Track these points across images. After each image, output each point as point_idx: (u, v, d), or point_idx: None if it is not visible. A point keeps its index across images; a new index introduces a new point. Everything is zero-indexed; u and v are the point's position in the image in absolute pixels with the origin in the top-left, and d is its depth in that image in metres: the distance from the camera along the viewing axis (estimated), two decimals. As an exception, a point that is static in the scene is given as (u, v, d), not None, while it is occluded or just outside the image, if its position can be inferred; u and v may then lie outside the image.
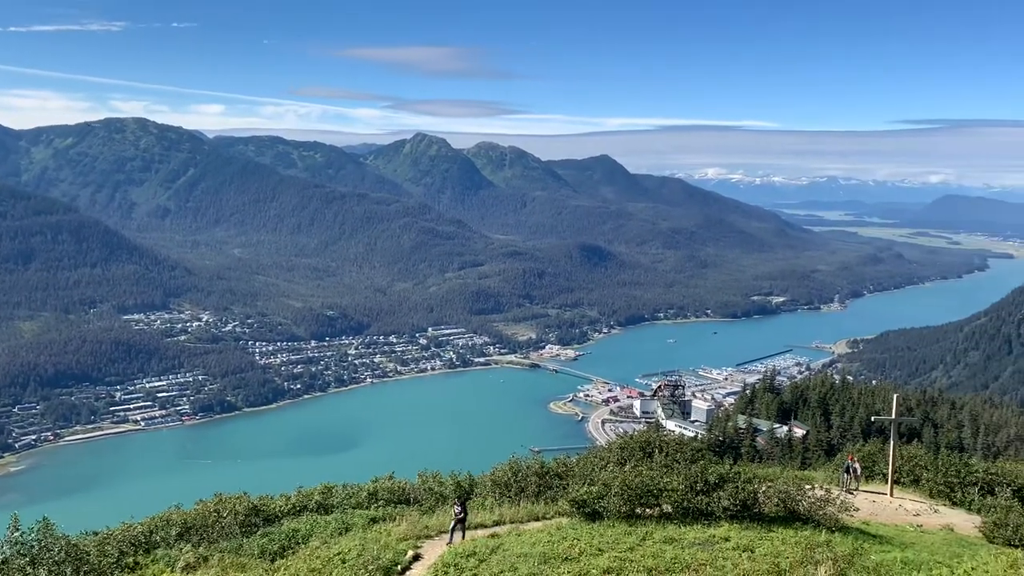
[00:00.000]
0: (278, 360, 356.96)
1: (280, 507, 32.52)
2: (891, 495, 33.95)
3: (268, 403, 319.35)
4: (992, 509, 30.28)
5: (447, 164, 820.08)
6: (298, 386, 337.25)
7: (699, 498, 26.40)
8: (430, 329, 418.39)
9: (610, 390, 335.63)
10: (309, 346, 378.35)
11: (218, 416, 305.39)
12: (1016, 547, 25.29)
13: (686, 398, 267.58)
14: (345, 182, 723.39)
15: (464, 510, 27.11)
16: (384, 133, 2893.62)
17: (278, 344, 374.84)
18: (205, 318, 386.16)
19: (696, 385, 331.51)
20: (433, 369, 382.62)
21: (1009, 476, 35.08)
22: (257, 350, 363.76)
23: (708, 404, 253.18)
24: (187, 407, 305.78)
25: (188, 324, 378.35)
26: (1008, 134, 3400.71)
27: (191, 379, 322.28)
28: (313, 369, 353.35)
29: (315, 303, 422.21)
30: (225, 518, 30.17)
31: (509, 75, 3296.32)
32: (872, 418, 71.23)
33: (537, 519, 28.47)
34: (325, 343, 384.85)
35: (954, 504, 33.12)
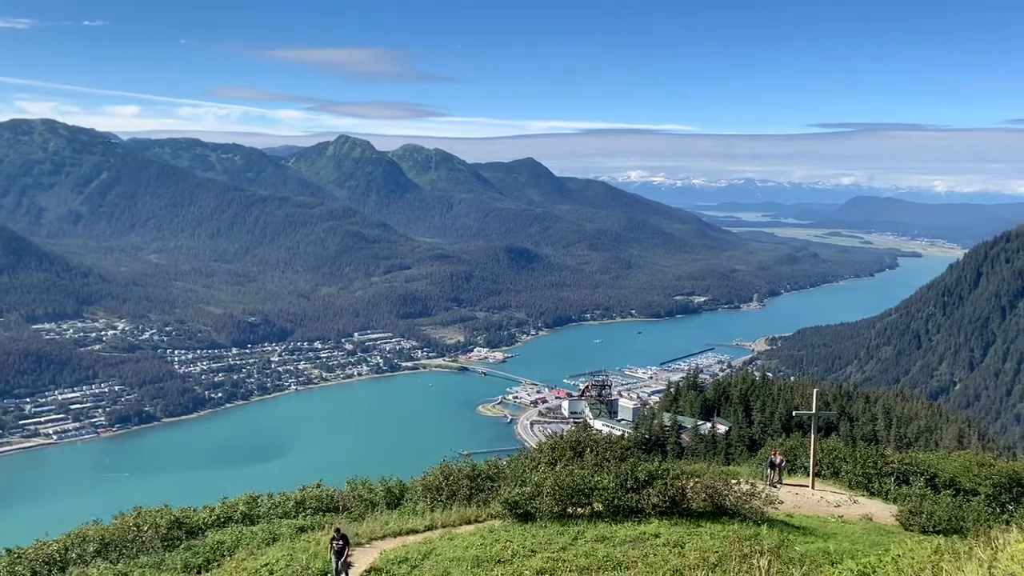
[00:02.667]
0: (198, 368, 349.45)
1: (204, 519, 31.60)
2: (813, 487, 34.92)
3: (189, 413, 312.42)
4: (907, 498, 31.51)
5: (372, 166, 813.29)
6: (220, 395, 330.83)
7: (629, 496, 26.69)
8: (356, 334, 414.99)
9: (538, 391, 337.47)
10: (231, 353, 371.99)
11: (136, 427, 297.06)
12: (931, 533, 26.36)
13: (613, 397, 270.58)
14: (266, 185, 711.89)
15: (345, 541, 24.00)
16: (307, 135, 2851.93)
17: (198, 352, 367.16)
18: (121, 326, 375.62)
19: (622, 384, 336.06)
20: (360, 375, 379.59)
21: (922, 466, 36.61)
22: (176, 358, 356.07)
23: (634, 403, 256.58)
24: (103, 419, 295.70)
25: (103, 333, 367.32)
26: (913, 137, 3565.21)
27: (106, 390, 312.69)
28: (235, 377, 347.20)
29: (236, 309, 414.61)
30: (145, 532, 29.17)
31: (434, 77, 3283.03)
32: (793, 412, 73.36)
33: (469, 522, 28.35)
34: (247, 350, 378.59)
35: (872, 494, 34.31)
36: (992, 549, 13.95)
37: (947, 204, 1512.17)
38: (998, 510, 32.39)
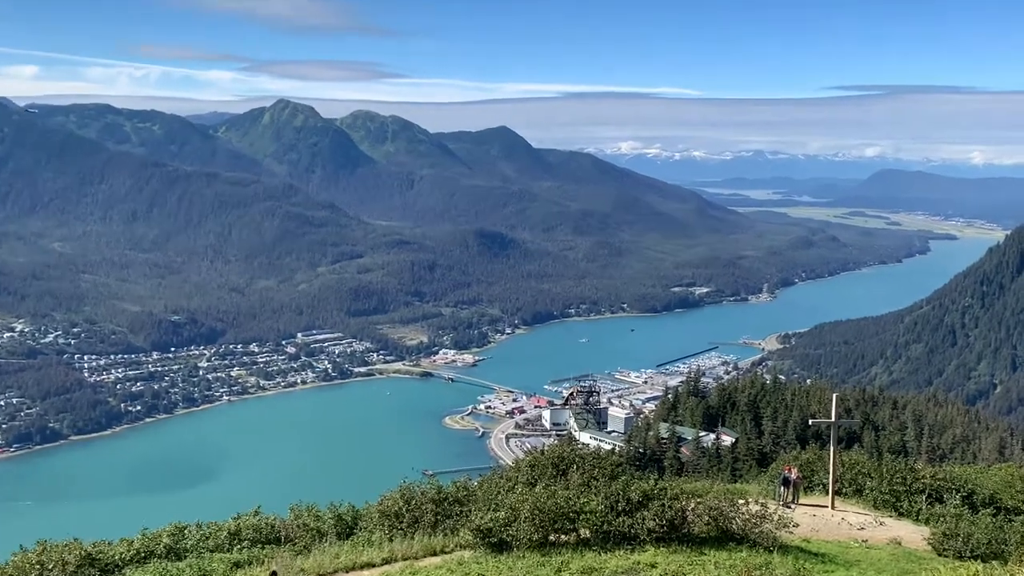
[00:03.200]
0: (112, 377, 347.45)
1: (121, 554, 31.32)
2: (832, 507, 35.29)
3: (101, 429, 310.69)
4: (941, 519, 31.90)
5: (316, 137, 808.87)
6: (138, 407, 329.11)
7: (621, 520, 26.78)
8: (300, 335, 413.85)
9: (515, 400, 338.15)
10: (151, 359, 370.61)
11: (39, 447, 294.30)
12: (968, 559, 26.75)
13: (601, 406, 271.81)
14: (191, 159, 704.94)
15: None
16: (239, 100, 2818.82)
17: (112, 357, 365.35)
18: (19, 327, 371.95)
19: (613, 391, 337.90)
20: (304, 382, 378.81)
21: (957, 481, 37.08)
22: (86, 365, 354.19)
23: (626, 412, 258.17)
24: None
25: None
26: (947, 101, 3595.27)
27: (3, 403, 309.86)
28: (156, 387, 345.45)
29: (157, 306, 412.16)
30: (51, 571, 28.88)
31: (389, 32, 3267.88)
32: (809, 422, 74.13)
33: (435, 553, 28.35)
34: (170, 355, 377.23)
35: (900, 515, 34.72)
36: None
37: (986, 178, 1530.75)
38: (1044, 531, 32.90)
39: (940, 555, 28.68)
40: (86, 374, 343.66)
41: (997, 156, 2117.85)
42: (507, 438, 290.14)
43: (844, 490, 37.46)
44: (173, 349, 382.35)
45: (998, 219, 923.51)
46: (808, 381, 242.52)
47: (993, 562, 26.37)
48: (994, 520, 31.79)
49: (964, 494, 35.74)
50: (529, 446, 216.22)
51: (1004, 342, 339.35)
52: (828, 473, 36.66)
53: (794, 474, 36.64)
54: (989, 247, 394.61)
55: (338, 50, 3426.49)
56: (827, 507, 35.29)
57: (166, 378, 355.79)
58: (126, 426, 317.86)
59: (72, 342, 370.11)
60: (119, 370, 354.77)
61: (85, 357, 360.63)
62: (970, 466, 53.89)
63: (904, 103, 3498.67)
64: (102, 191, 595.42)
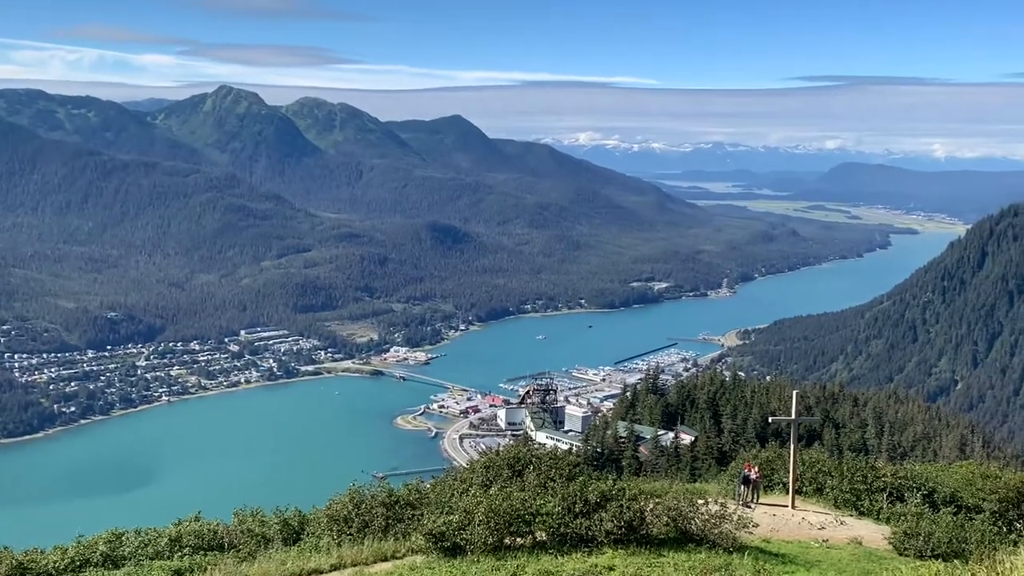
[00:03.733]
0: (45, 376, 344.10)
1: (54, 563, 30.93)
2: (792, 507, 35.69)
3: (33, 432, 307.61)
4: (902, 518, 32.44)
5: (260, 124, 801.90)
6: (73, 409, 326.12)
7: (578, 521, 26.89)
8: (243, 332, 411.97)
9: (469, 399, 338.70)
10: (85, 357, 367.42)
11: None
12: (929, 558, 27.27)
13: (559, 404, 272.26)
14: (128, 147, 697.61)
15: None
16: (179, 85, 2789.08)
17: (44, 356, 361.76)
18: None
19: (570, 389, 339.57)
20: (248, 382, 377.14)
21: (918, 480, 37.72)
22: (17, 365, 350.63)
23: (584, 410, 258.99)
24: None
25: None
26: (909, 93, 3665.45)
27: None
28: (92, 387, 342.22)
29: (92, 303, 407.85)
30: (-21, 582, 28.45)
31: (338, 15, 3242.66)
32: (769, 419, 75.09)
33: (386, 559, 28.27)
34: (106, 353, 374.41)
35: (861, 514, 35.23)
36: (997, 574, 14.49)
37: (947, 172, 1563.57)
38: (1005, 529, 33.55)
39: (901, 554, 29.18)
40: (17, 374, 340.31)
41: (959, 149, 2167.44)
42: (461, 438, 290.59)
43: (804, 489, 37.91)
44: (109, 347, 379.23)
45: (959, 213, 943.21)
46: (768, 378, 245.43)
47: (954, 561, 26.90)
48: (955, 519, 32.39)
49: (925, 492, 36.34)
50: (484, 446, 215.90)
51: (965, 338, 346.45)
52: (788, 472, 37.07)
53: (754, 473, 37.00)
54: (950, 241, 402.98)
55: (284, 34, 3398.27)
56: (787, 506, 35.68)
57: (102, 378, 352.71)
58: (59, 428, 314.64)
59: (2, 340, 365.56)
60: (52, 370, 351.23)
61: (16, 356, 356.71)
62: (931, 464, 54.91)
63: (865, 94, 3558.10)
64: (33, 181, 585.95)
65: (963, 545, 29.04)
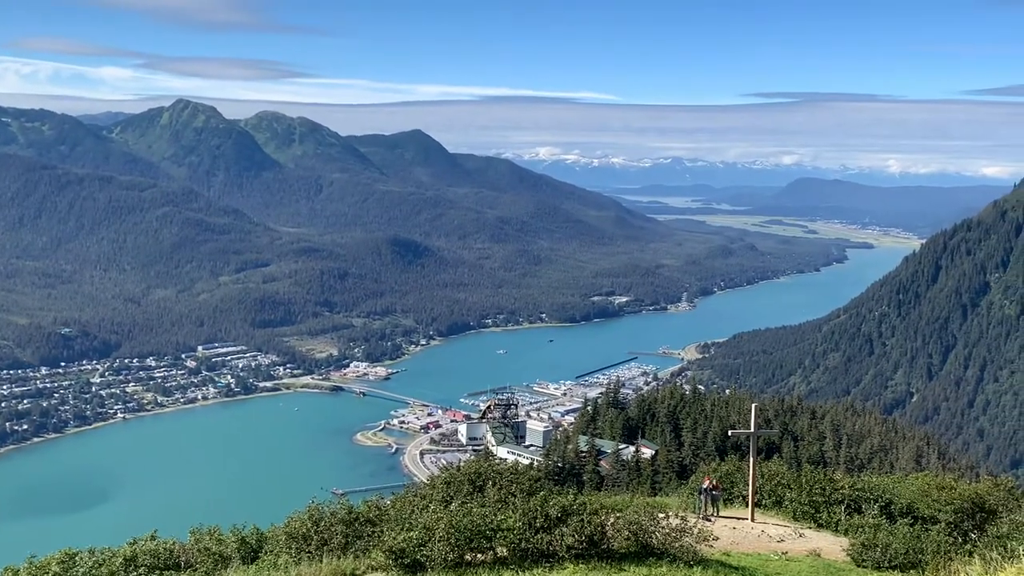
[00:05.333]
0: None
1: (4, 586, 30.46)
2: (752, 519, 35.93)
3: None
4: (860, 529, 32.80)
5: (219, 139, 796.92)
6: (24, 427, 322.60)
7: (539, 536, 26.87)
8: (200, 348, 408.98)
9: (430, 414, 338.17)
10: (39, 374, 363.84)
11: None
12: (886, 569, 27.58)
13: (520, 419, 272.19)
14: (84, 161, 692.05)
15: None
16: (136, 99, 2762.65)
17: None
18: None
19: (531, 403, 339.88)
20: (206, 398, 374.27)
21: (876, 491, 38.16)
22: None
23: (545, 425, 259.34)
24: None
25: None
26: (865, 110, 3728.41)
27: None
28: (44, 404, 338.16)
29: (45, 318, 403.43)
30: (-75, 606, 27.86)
31: (297, 28, 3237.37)
32: (729, 432, 75.64)
33: (345, 576, 28.06)
34: (60, 370, 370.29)
35: (820, 526, 35.57)
36: (953, 584, 14.73)
37: (902, 187, 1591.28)
38: (960, 539, 34.02)
39: (859, 566, 29.45)
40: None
41: (913, 165, 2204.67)
42: (422, 454, 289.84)
43: (764, 501, 38.19)
44: (63, 364, 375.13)
45: (914, 228, 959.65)
46: (728, 391, 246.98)
47: (911, 571, 27.24)
48: (912, 530, 32.76)
49: (882, 504, 36.77)
50: (444, 462, 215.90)
51: (920, 351, 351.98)
52: (748, 484, 37.34)
53: (713, 485, 37.24)
54: (905, 256, 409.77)
55: (242, 48, 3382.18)
56: (747, 519, 35.91)
57: (56, 395, 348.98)
58: (11, 447, 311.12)
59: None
60: (4, 387, 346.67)
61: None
62: (888, 476, 55.58)
63: (821, 111, 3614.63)
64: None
65: (919, 556, 29.38)
